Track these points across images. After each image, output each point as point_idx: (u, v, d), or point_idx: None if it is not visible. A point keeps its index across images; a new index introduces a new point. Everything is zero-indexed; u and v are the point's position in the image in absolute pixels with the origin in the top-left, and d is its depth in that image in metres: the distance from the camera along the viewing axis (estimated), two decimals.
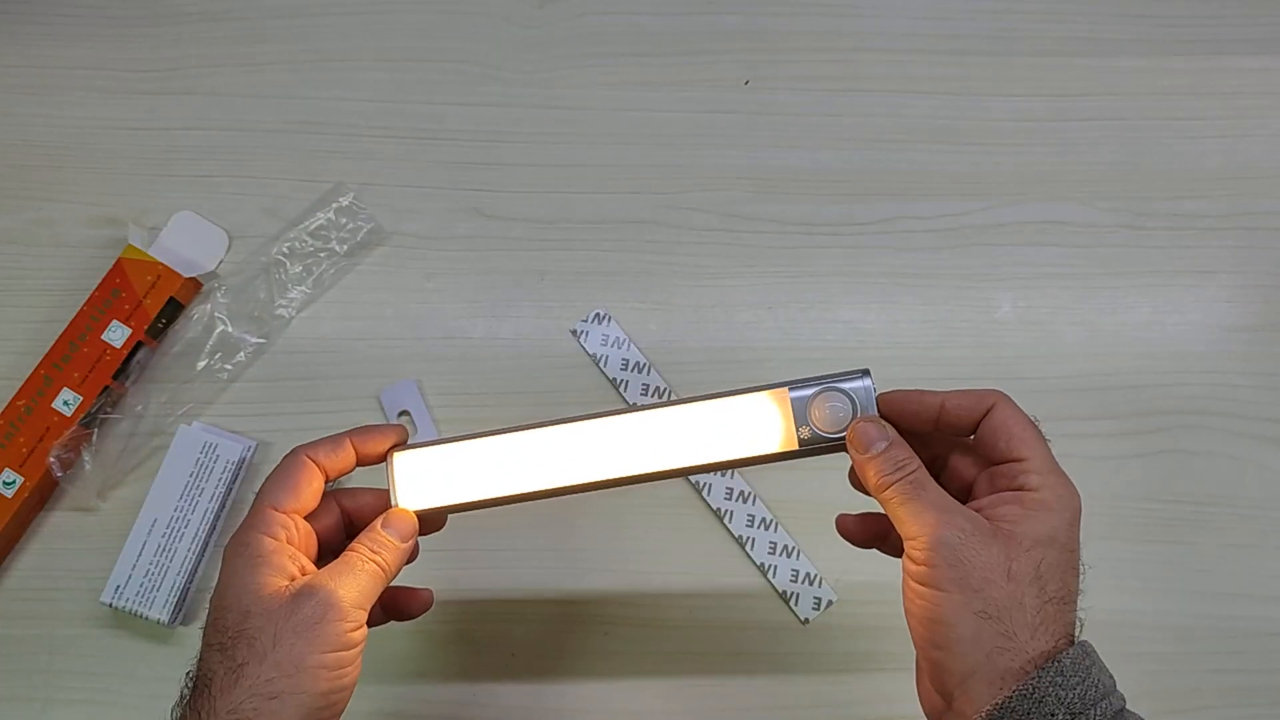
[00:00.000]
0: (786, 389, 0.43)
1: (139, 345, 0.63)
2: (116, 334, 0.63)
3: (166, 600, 0.58)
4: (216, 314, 0.65)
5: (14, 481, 0.60)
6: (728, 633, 0.60)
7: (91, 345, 0.62)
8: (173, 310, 0.64)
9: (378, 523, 0.43)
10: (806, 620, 0.59)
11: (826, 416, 0.42)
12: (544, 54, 0.72)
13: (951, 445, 0.44)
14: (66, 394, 0.61)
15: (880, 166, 0.69)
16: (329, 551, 0.45)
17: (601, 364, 0.64)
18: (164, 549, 0.59)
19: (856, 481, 0.44)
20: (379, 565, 0.42)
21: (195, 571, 0.59)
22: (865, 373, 0.43)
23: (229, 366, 0.64)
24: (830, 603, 0.59)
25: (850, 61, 0.72)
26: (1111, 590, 0.60)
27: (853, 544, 0.47)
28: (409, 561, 0.44)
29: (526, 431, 0.44)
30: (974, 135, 0.70)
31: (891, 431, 0.41)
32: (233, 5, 0.73)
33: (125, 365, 0.63)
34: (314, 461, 0.43)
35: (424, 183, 0.69)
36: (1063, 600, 0.38)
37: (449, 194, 0.69)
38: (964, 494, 0.42)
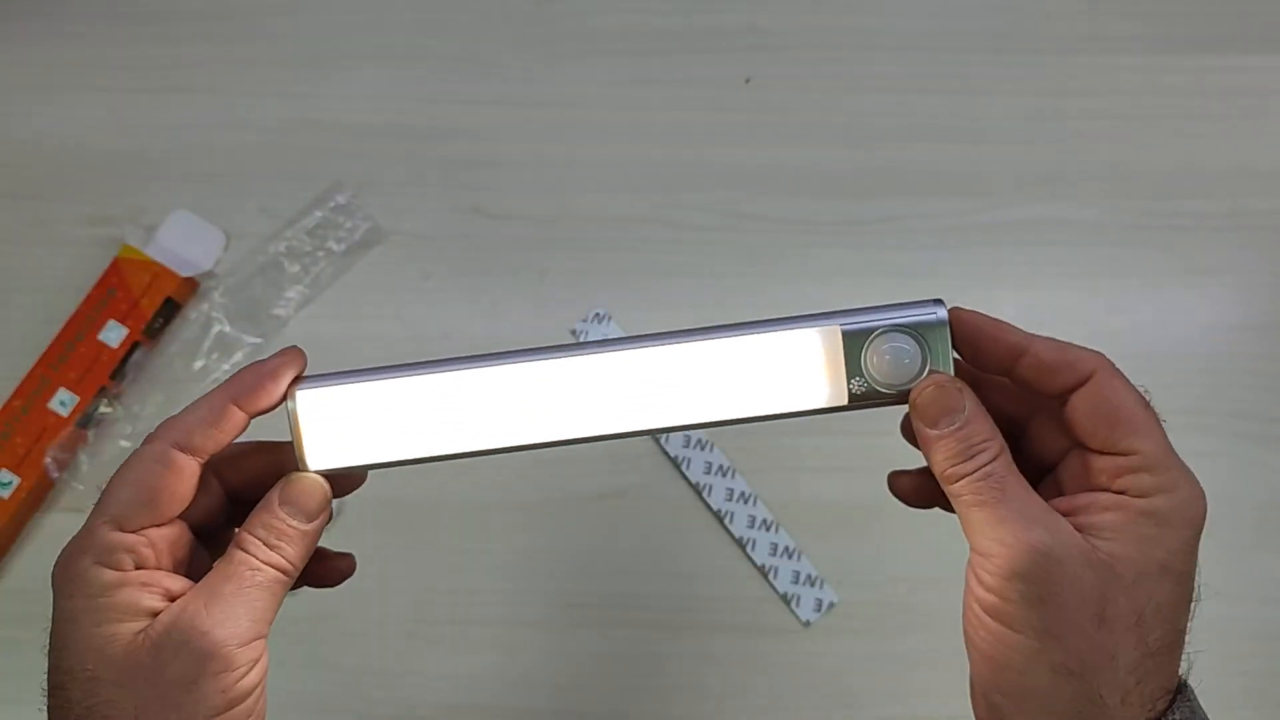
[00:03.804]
0: (838, 325, 0.33)
1: (135, 345, 0.63)
2: (113, 334, 0.62)
3: None
4: (213, 314, 0.64)
5: (10, 482, 0.59)
6: (728, 634, 0.60)
7: (88, 345, 0.62)
8: (169, 310, 0.64)
9: (274, 497, 0.33)
10: (808, 622, 0.59)
11: (887, 365, 0.33)
12: (543, 52, 0.71)
13: (1034, 405, 0.34)
14: (63, 394, 0.61)
15: (881, 166, 0.69)
16: (209, 537, 0.34)
17: None
18: None
19: (911, 433, 0.34)
20: (277, 568, 0.31)
21: None
22: (938, 303, 0.34)
23: (226, 366, 0.63)
24: (832, 604, 0.59)
25: (850, 61, 0.71)
26: None
27: (907, 504, 0.38)
28: (326, 524, 0.34)
29: (482, 368, 0.33)
30: (974, 134, 0.70)
31: (970, 400, 0.31)
32: (230, 4, 0.72)
33: (122, 365, 0.62)
34: (186, 452, 0.32)
35: (422, 181, 0.69)
36: (1167, 650, 0.30)
37: (447, 193, 0.68)
38: (1044, 475, 0.34)
